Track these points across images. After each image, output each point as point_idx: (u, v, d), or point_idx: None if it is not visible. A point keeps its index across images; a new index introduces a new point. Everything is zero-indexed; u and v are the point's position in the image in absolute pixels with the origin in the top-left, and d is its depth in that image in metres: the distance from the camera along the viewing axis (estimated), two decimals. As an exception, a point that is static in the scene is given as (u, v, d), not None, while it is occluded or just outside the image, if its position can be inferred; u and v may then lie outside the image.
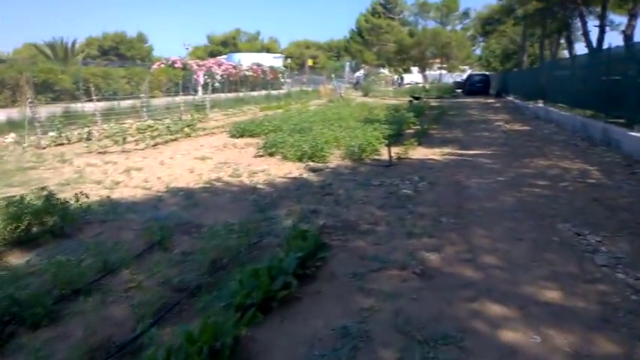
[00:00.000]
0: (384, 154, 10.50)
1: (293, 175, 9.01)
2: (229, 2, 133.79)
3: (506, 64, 50.33)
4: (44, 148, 12.90)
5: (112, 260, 4.16)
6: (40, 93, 21.46)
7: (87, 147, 12.46)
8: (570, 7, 27.49)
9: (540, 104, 20.31)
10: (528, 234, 5.20)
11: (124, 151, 12.10)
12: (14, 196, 5.07)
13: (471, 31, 56.94)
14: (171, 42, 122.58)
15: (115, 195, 7.71)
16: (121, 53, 68.92)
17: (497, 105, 28.70)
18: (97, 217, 6.18)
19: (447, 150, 11.48)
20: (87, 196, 6.46)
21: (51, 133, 13.83)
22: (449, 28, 56.32)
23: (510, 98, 30.67)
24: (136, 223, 5.90)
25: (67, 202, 5.49)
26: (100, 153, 12.00)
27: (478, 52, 60.98)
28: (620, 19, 28.30)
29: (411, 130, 15.47)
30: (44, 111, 16.34)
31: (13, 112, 15.42)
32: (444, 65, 60.00)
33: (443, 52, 54.80)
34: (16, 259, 4.49)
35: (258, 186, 8.16)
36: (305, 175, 8.99)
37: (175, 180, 8.84)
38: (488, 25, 48.01)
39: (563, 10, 28.72)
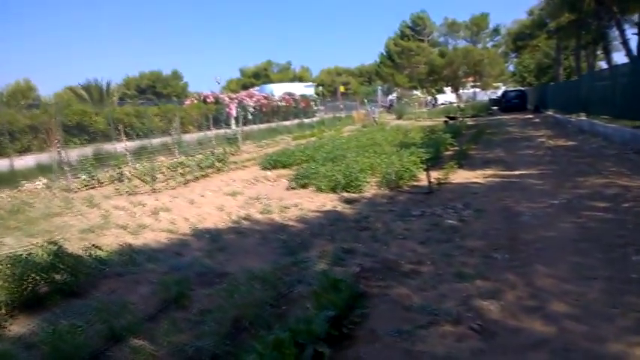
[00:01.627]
0: (422, 179, 9.83)
1: (326, 208, 8.46)
2: (260, 35, 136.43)
3: (541, 79, 48.87)
4: (74, 191, 12.79)
5: (120, 325, 3.65)
6: (75, 135, 21.80)
7: (117, 189, 12.26)
8: (605, 17, 26.43)
9: (583, 117, 19.23)
10: (600, 270, 4.45)
11: (154, 191, 11.82)
12: (24, 251, 4.67)
13: (503, 47, 55.81)
14: (205, 77, 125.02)
15: (139, 241, 7.33)
16: (158, 91, 70.80)
17: (537, 120, 27.55)
18: (114, 270, 5.71)
19: (489, 171, 10.71)
20: (100, 248, 6.01)
21: (82, 176, 13.76)
22: (480, 45, 55.37)
23: (549, 113, 29.45)
24: (156, 275, 5.42)
25: (80, 255, 5.03)
26: (129, 194, 11.75)
27: (511, 68, 59.68)
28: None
29: (450, 152, 14.75)
30: (76, 153, 16.46)
31: (43, 157, 15.49)
32: (478, 83, 58.88)
33: (475, 70, 53.80)
34: (19, 326, 4.05)
35: (289, 223, 7.63)
36: (339, 208, 8.42)
37: (203, 220, 8.42)
38: (519, 40, 46.90)
39: (597, 20, 27.64)
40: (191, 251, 6.46)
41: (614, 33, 27.23)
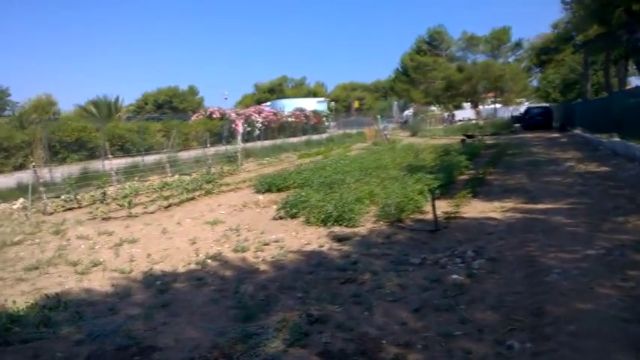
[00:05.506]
0: (429, 212, 8.33)
1: (310, 248, 7.09)
2: (275, 51, 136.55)
3: (567, 95, 46.84)
4: (50, 213, 11.65)
5: None
6: (74, 151, 20.89)
7: (90, 212, 11.06)
8: (638, 29, 24.73)
9: (616, 138, 17.49)
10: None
11: (129, 216, 10.60)
12: None
13: (525, 62, 53.88)
14: (221, 92, 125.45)
15: (82, 284, 6.18)
16: (174, 106, 70.99)
17: (564, 140, 25.73)
18: (23, 333, 4.43)
19: (509, 204, 9.19)
20: (14, 302, 4.74)
21: (65, 196, 12.61)
22: (501, 60, 53.56)
23: (577, 131, 27.61)
24: (64, 345, 4.11)
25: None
26: (104, 219, 10.56)
27: (535, 83, 57.68)
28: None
29: (465, 177, 13.24)
30: (62, 172, 15.38)
31: (24, 176, 14.41)
32: (499, 99, 57.02)
33: (496, 86, 51.95)
34: None
35: (261, 267, 6.29)
36: (325, 248, 7.04)
37: (166, 257, 7.19)
38: (543, 54, 45.17)
39: (629, 33, 25.90)
40: (129, 306, 5.13)
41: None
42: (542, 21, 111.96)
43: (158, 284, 5.82)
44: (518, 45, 53.89)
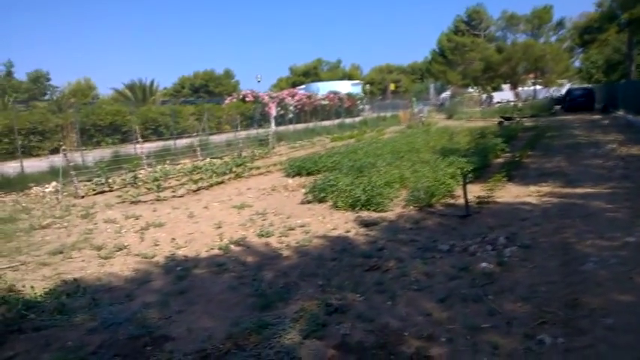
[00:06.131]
0: (460, 196, 8.03)
1: (336, 233, 6.92)
2: (311, 34, 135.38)
3: (610, 76, 44.85)
4: (82, 197, 11.82)
5: None
6: (108, 135, 21.27)
7: (120, 196, 11.17)
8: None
9: (663, 119, 16.62)
10: None
11: (158, 200, 10.65)
12: None
13: (568, 42, 51.81)
14: (256, 76, 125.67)
15: (104, 269, 6.12)
16: (210, 90, 71.50)
17: (606, 122, 24.65)
18: (37, 320, 4.43)
19: (546, 188, 8.79)
20: (32, 287, 4.77)
21: (97, 179, 12.79)
22: (542, 40, 51.63)
23: (620, 113, 26.42)
24: (76, 334, 4.09)
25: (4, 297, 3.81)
26: (133, 202, 10.64)
27: (577, 64, 55.47)
28: None
29: (500, 160, 12.79)
30: (95, 155, 15.62)
31: (57, 160, 14.68)
32: (539, 80, 55.10)
33: (536, 67, 50.10)
34: None
35: (284, 253, 6.16)
36: (351, 233, 6.86)
37: (190, 242, 7.12)
38: (586, 34, 43.28)
39: (677, 11, 24.52)
40: (146, 293, 5.08)
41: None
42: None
43: (178, 270, 5.76)
44: (560, 24, 51.93)
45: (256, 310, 4.34)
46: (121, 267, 6.17)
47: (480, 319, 3.80)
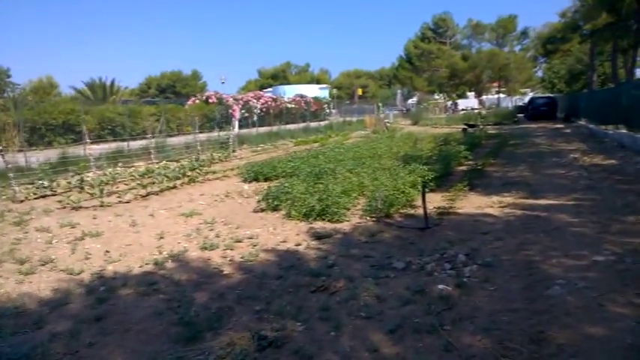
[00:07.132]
0: (421, 206, 7.55)
1: (286, 247, 6.36)
2: (280, 37, 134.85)
3: (572, 85, 45.82)
4: (20, 201, 10.91)
5: None
6: (60, 135, 20.13)
7: (60, 201, 10.32)
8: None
9: (623, 130, 16.66)
10: None
11: (101, 206, 9.86)
12: None
13: (531, 51, 52.69)
14: (226, 78, 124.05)
15: (21, 287, 5.39)
16: (177, 91, 70.23)
17: (568, 131, 24.86)
18: None
19: (509, 198, 8.43)
20: None
21: (38, 183, 11.86)
22: (506, 49, 52.40)
23: (582, 122, 26.73)
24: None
25: None
26: (74, 208, 9.83)
27: (540, 73, 56.55)
28: None
29: (463, 168, 12.46)
30: (41, 156, 14.62)
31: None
32: (503, 89, 55.92)
33: (501, 75, 50.87)
34: None
35: (225, 270, 5.55)
36: (302, 247, 6.30)
37: (126, 255, 6.42)
38: (550, 44, 43.96)
39: (638, 22, 24.89)
40: (58, 319, 4.39)
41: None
42: (549, 9, 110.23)
43: (102, 290, 5.07)
44: (524, 34, 52.86)
45: (180, 343, 3.73)
46: (41, 285, 5.44)
47: (434, 357, 3.30)
